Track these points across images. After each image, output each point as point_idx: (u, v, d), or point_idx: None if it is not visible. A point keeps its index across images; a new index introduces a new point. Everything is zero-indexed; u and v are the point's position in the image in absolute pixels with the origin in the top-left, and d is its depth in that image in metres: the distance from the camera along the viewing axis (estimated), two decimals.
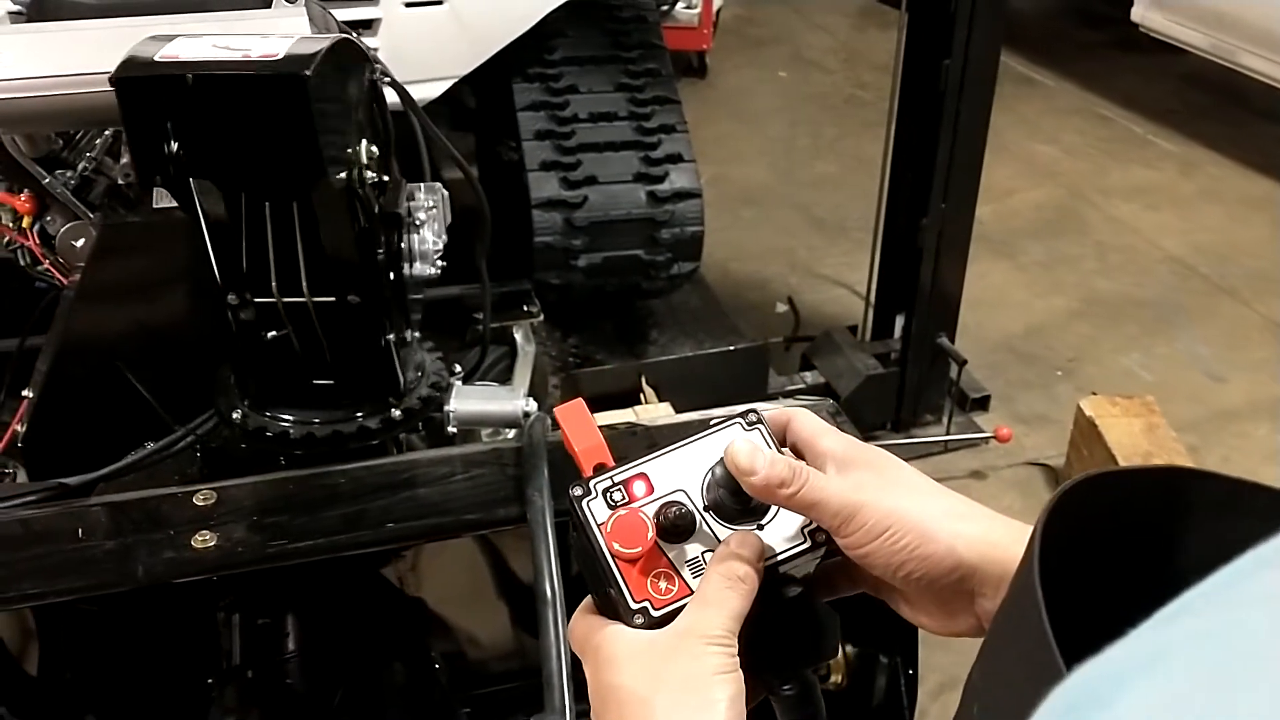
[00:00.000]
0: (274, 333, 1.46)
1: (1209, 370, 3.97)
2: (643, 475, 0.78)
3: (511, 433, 1.85)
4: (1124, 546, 0.60)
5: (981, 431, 3.61)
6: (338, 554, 1.31)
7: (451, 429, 1.71)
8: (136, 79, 1.23)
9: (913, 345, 3.54)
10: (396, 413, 1.56)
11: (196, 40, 1.29)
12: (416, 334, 1.71)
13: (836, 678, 1.43)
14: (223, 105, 1.23)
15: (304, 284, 1.42)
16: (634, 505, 0.77)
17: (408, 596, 1.67)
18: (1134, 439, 3.23)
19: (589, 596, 0.80)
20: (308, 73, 1.21)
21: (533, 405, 1.72)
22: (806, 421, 0.83)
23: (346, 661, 1.58)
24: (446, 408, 1.68)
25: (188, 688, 1.56)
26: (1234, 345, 4.08)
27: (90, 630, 1.55)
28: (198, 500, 1.32)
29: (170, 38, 1.30)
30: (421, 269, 1.57)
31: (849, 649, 1.40)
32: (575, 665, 1.08)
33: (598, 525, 0.76)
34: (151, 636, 1.56)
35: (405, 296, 1.56)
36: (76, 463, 1.52)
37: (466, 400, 1.70)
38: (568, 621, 1.09)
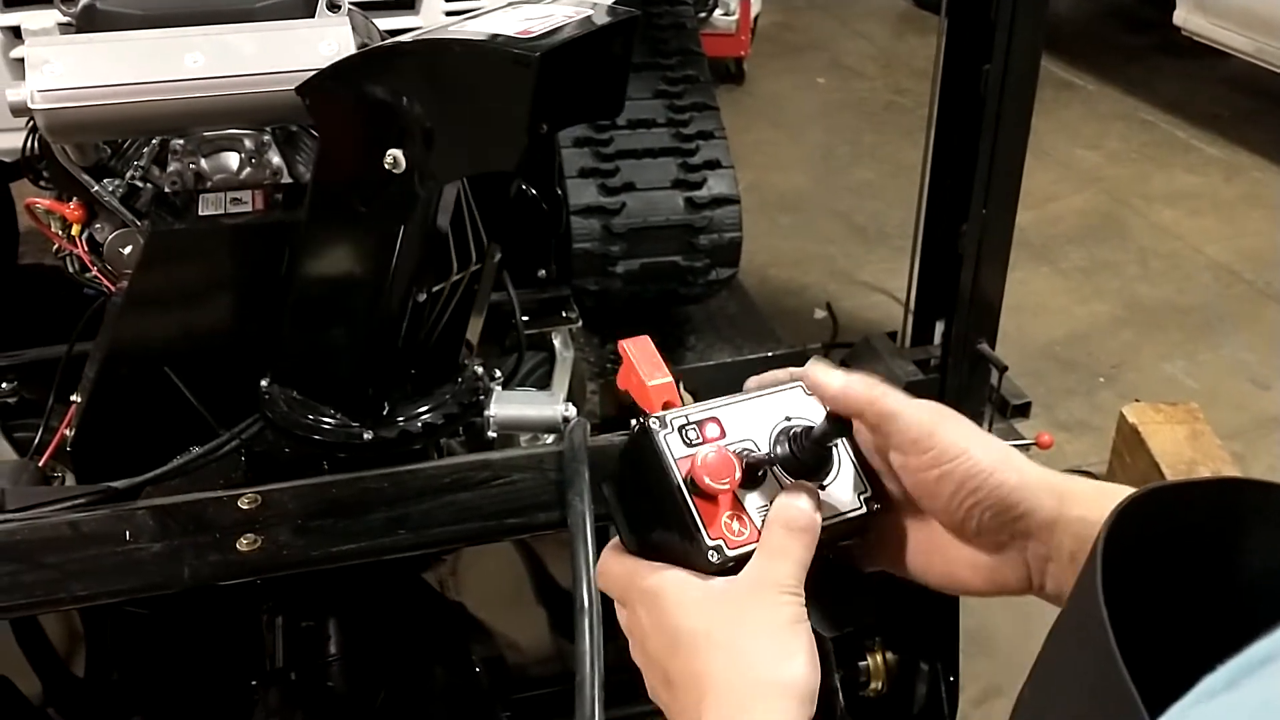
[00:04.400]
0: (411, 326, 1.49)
1: (1254, 377, 3.92)
2: (715, 419, 0.78)
3: (549, 438, 1.86)
4: (1184, 558, 0.60)
5: (1023, 438, 3.58)
6: (380, 557, 1.32)
7: (492, 434, 1.72)
8: (553, 50, 1.24)
9: (953, 352, 3.52)
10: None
11: (509, 15, 1.34)
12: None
13: (876, 684, 1.42)
14: (589, 61, 1.33)
15: (472, 254, 1.48)
16: (715, 444, 0.76)
17: (449, 600, 1.68)
18: (1178, 446, 3.19)
19: (615, 538, 0.79)
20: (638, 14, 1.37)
21: (572, 410, 1.73)
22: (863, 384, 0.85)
23: (389, 664, 1.59)
24: (487, 413, 1.70)
25: (232, 689, 1.58)
26: (1279, 351, 4.02)
27: (137, 632, 1.57)
28: (242, 504, 1.33)
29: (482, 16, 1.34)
30: None
31: (889, 655, 1.39)
32: (607, 673, 1.08)
33: (675, 459, 0.74)
34: (196, 638, 1.58)
35: None
36: (124, 467, 1.54)
37: (507, 405, 1.71)
38: (604, 629, 1.10)
